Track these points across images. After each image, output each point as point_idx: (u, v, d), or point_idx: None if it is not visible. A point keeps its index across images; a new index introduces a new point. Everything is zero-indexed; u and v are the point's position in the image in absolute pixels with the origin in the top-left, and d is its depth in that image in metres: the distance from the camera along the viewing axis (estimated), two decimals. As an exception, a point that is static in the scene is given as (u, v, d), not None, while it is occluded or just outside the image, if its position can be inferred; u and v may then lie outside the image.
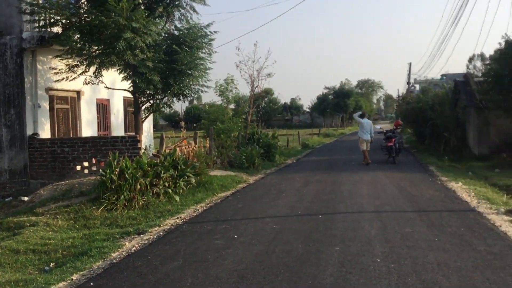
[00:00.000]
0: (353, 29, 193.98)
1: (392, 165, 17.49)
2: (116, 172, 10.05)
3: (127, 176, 9.97)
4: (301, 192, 11.78)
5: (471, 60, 47.62)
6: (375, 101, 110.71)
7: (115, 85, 14.97)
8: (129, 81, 13.66)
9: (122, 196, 9.74)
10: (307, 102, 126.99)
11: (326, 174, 15.24)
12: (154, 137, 20.70)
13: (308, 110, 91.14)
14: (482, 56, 44.04)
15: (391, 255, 6.00)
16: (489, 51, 25.12)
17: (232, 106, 24.87)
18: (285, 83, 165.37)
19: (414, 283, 5.00)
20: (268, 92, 77.82)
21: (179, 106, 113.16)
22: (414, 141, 30.32)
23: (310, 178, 14.42)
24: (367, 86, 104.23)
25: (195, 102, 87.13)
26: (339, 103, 76.82)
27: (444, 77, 51.40)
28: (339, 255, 6.07)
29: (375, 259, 5.84)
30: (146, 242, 7.26)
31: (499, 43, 17.98)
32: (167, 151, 13.41)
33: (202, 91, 14.49)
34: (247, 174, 15.70)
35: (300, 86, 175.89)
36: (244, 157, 16.97)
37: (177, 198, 10.61)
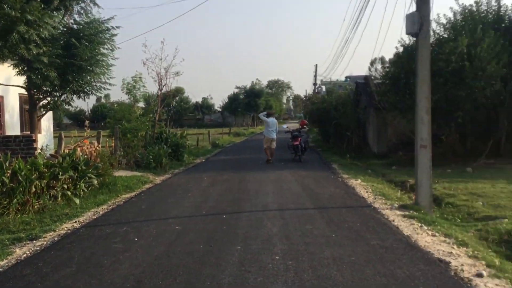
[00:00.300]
0: (263, 29, 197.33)
1: (298, 163, 17.98)
2: (8, 174, 9.36)
3: (20, 178, 9.31)
4: (208, 191, 11.72)
5: (372, 63, 50.20)
6: (284, 101, 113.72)
7: (10, 81, 13.95)
8: (24, 77, 12.79)
9: (15, 199, 9.07)
10: (218, 101, 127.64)
11: (234, 173, 15.32)
12: (55, 137, 19.61)
13: (219, 109, 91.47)
14: (382, 60, 46.52)
15: (290, 252, 6.11)
16: (389, 55, 26.88)
17: (142, 104, 24.21)
18: (197, 83, 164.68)
19: (310, 279, 5.12)
20: (179, 91, 76.89)
21: (86, 104, 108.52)
22: (319, 140, 31.44)
23: (217, 177, 14.40)
24: (277, 86, 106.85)
25: (103, 100, 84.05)
26: (250, 103, 77.92)
27: (348, 79, 53.84)
28: (240, 254, 6.08)
29: (274, 257, 5.92)
30: (38, 248, 6.80)
31: (396, 47, 19.11)
32: (67, 151, 12.74)
33: (104, 89, 13.92)
34: (154, 174, 15.36)
35: (211, 86, 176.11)
36: (151, 157, 16.59)
37: (77, 201, 10.10)
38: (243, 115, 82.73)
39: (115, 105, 29.52)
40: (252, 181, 13.28)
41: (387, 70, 20.50)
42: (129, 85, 20.96)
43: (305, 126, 23.19)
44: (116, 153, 15.90)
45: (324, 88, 57.48)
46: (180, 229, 7.63)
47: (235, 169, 16.66)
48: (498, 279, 5.17)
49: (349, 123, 23.98)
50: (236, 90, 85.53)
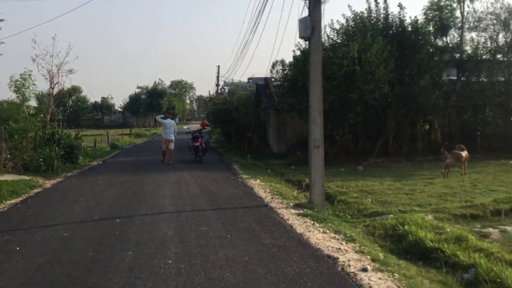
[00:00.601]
0: (166, 28, 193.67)
1: (199, 164, 17.88)
2: None
3: None
4: (102, 195, 11.22)
5: (274, 65, 51.69)
6: (188, 101, 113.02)
7: None
8: None
9: None
10: (119, 101, 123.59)
11: (131, 175, 14.85)
12: None
13: (120, 109, 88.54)
14: (282, 63, 48.10)
15: (184, 255, 6.00)
16: (290, 58, 27.80)
17: (35, 104, 22.62)
18: (96, 82, 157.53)
19: (202, 282, 5.04)
20: (75, 90, 73.42)
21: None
22: (222, 141, 31.55)
23: (114, 179, 13.88)
24: (180, 87, 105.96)
25: (-11, 98, 77.80)
26: (152, 103, 76.48)
27: (251, 80, 54.76)
28: (131, 260, 5.85)
29: (167, 261, 5.77)
30: None
31: (293, 51, 19.72)
32: None
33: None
34: (44, 178, 14.43)
35: (112, 85, 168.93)
36: (41, 159, 15.57)
37: (-48, 209, 9.20)
38: (145, 116, 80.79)
39: (5, 104, 27.35)
40: (150, 183, 12.96)
41: (286, 72, 21.08)
42: (18, 82, 19.51)
43: (206, 127, 23.16)
44: (1, 156, 14.72)
45: (227, 89, 57.96)
46: (68, 236, 7.21)
47: (133, 171, 16.17)
48: (381, 273, 5.44)
49: (250, 124, 24.33)
50: (138, 90, 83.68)
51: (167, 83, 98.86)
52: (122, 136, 42.31)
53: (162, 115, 19.69)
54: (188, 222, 7.98)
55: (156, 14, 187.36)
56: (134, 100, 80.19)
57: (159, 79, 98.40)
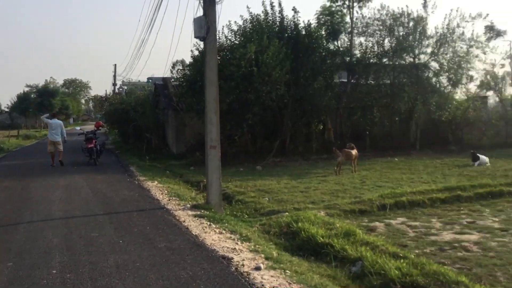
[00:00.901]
0: (57, 24, 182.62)
1: (93, 167, 17.10)
2: None
3: None
4: (-19, 202, 10.31)
5: (174, 65, 50.89)
6: (83, 101, 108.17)
7: None
8: None
9: None
10: (5, 101, 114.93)
11: (17, 180, 13.80)
12: None
13: (7, 109, 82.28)
14: (182, 63, 47.48)
15: (70, 264, 5.66)
16: (190, 58, 27.28)
17: None
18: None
19: (88, 291, 4.79)
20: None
21: None
22: (119, 142, 30.55)
23: (-4, 185, 12.82)
24: (75, 86, 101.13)
25: None
26: (43, 103, 72.00)
27: (150, 80, 53.49)
28: (10, 272, 5.41)
29: (50, 271, 5.40)
30: None
31: (191, 51, 19.53)
32: None
33: None
34: None
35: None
36: None
37: None
38: (36, 116, 75.80)
39: None
40: (37, 188, 12.14)
41: (185, 72, 20.84)
42: None
43: (100, 128, 22.25)
44: None
45: (125, 88, 56.16)
46: None
47: (19, 175, 15.03)
48: (274, 270, 5.52)
49: (149, 124, 23.80)
50: (27, 89, 78.46)
51: (60, 81, 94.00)
52: (8, 138, 39.22)
53: (48, 114, 18.52)
54: (77, 229, 7.57)
55: (45, 9, 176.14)
56: (23, 100, 74.94)
57: (51, 77, 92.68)
